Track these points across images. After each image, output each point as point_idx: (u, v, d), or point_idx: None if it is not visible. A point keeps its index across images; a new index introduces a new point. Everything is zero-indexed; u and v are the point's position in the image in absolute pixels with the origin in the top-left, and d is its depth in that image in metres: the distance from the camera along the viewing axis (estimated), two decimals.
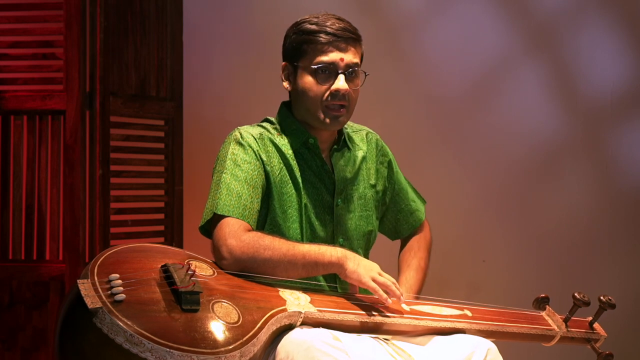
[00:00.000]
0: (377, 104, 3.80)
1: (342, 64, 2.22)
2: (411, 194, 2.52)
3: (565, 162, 3.80)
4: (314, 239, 2.26)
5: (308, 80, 2.25)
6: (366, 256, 2.39)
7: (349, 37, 2.23)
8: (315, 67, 2.23)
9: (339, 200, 2.32)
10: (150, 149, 3.88)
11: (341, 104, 2.24)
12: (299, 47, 2.25)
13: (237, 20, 4.01)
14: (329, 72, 2.23)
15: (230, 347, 1.83)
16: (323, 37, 2.22)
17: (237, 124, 2.32)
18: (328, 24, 2.23)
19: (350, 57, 2.23)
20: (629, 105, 3.76)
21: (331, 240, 2.29)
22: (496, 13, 3.84)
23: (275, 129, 2.31)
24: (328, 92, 2.23)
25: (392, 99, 3.87)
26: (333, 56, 2.22)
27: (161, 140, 3.92)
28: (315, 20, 2.25)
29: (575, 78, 3.80)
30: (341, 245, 2.28)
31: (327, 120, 2.25)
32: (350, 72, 2.24)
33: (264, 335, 1.91)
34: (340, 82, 2.22)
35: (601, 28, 3.77)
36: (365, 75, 2.27)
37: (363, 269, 2.14)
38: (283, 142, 2.29)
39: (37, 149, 3.59)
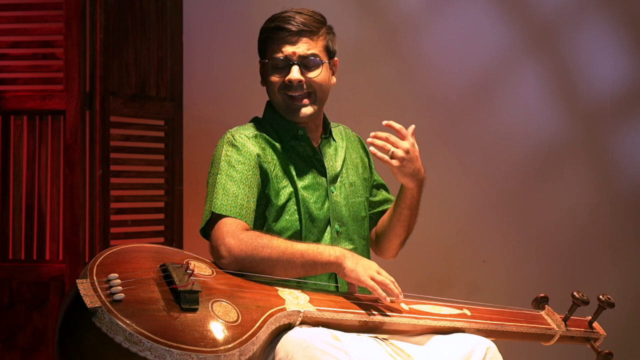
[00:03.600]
0: (377, 104, 3.79)
1: (294, 56, 2.27)
2: (385, 187, 2.56)
3: (565, 162, 3.80)
4: (312, 228, 2.27)
5: (269, 75, 2.31)
6: (366, 244, 2.40)
7: (301, 30, 2.27)
8: (271, 62, 2.29)
9: (333, 187, 2.34)
10: (150, 149, 3.88)
11: (307, 92, 2.28)
12: (263, 45, 2.33)
13: (237, 20, 4.00)
14: (284, 65, 2.28)
15: (230, 345, 1.83)
16: (277, 34, 2.28)
17: (237, 124, 2.34)
18: (287, 19, 2.27)
19: (303, 48, 2.27)
20: (629, 105, 3.75)
21: (328, 228, 2.30)
22: (496, 13, 3.84)
23: (265, 126, 2.33)
24: (283, 84, 2.28)
25: (392, 99, 3.87)
26: (286, 50, 2.27)
27: (161, 140, 3.92)
28: (277, 16, 2.30)
29: (575, 78, 3.80)
30: (337, 232, 2.30)
31: (291, 110, 2.30)
32: (308, 61, 2.27)
33: (263, 334, 1.92)
34: (293, 73, 2.27)
35: (601, 28, 3.77)
36: (322, 64, 2.29)
37: (362, 268, 2.15)
38: (275, 138, 2.31)
39: (37, 149, 3.59)
